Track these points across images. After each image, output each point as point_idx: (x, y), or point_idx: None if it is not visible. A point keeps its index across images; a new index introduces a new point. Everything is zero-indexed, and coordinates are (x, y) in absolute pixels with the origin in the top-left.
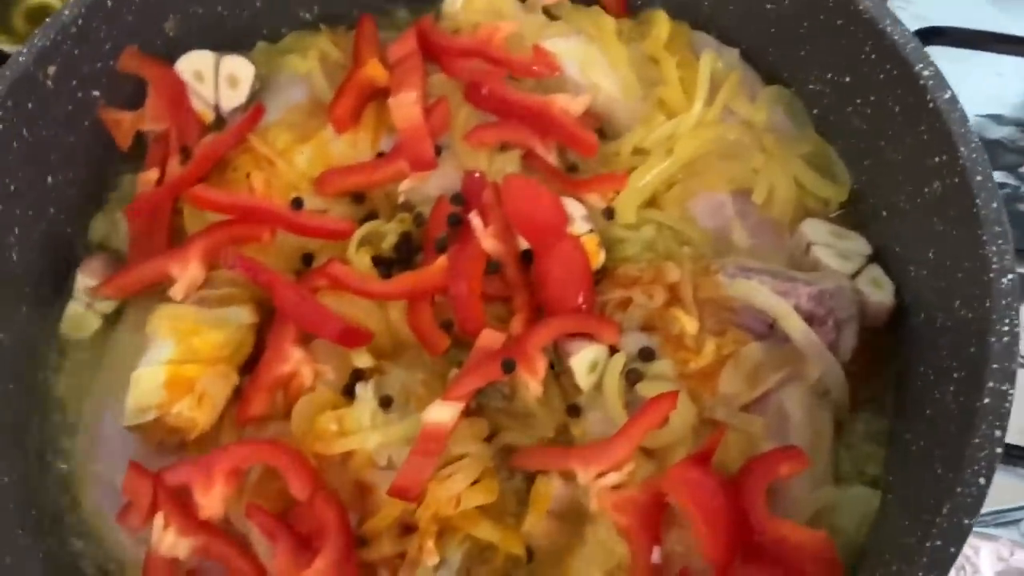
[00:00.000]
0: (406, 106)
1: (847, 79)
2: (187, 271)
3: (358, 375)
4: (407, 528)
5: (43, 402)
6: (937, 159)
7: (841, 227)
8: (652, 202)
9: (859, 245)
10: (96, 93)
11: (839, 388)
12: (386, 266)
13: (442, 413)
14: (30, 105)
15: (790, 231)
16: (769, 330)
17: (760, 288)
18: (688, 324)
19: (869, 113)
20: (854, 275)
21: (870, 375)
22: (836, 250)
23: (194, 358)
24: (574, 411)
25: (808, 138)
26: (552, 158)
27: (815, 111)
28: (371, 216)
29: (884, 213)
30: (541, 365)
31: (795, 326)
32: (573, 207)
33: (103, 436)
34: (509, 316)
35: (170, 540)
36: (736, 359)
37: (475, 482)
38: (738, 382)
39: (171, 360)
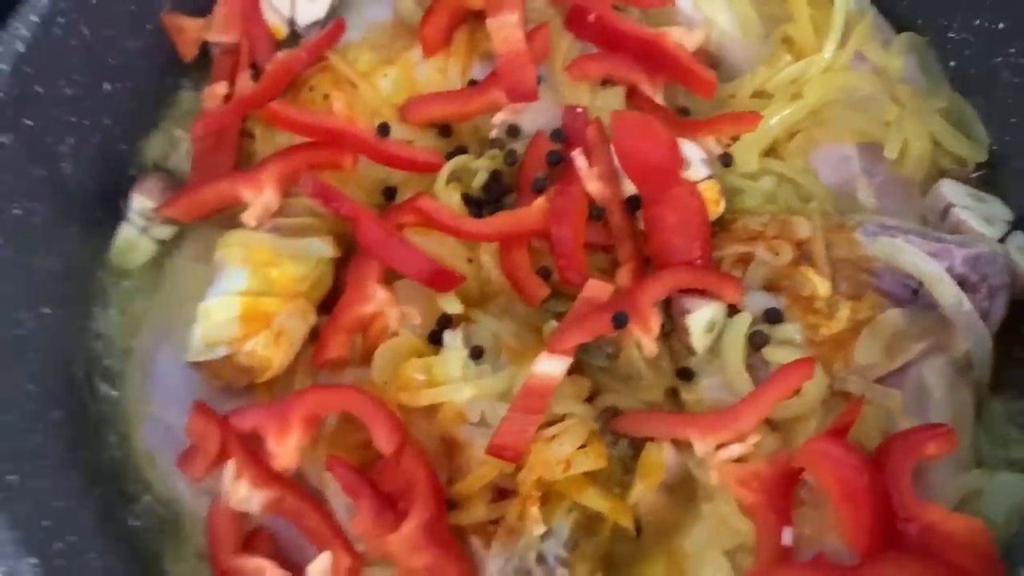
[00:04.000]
0: (507, 28)
1: (1000, 25)
2: (261, 195)
3: (446, 322)
4: (501, 492)
5: (92, 334)
6: None
7: (978, 190)
8: (770, 151)
9: (1001, 210)
10: None
11: (984, 363)
12: (475, 206)
13: (551, 366)
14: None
15: (921, 192)
16: (912, 296)
17: (908, 248)
18: (820, 285)
19: None
20: (1000, 241)
21: (1010, 352)
22: (979, 213)
23: (271, 291)
24: (686, 374)
25: (942, 92)
26: (659, 98)
27: (952, 63)
28: (458, 151)
29: None
30: (656, 322)
31: (948, 292)
32: (691, 150)
33: (158, 374)
34: (611, 267)
35: (243, 492)
36: (873, 326)
37: (581, 446)
38: (875, 351)
39: (246, 291)
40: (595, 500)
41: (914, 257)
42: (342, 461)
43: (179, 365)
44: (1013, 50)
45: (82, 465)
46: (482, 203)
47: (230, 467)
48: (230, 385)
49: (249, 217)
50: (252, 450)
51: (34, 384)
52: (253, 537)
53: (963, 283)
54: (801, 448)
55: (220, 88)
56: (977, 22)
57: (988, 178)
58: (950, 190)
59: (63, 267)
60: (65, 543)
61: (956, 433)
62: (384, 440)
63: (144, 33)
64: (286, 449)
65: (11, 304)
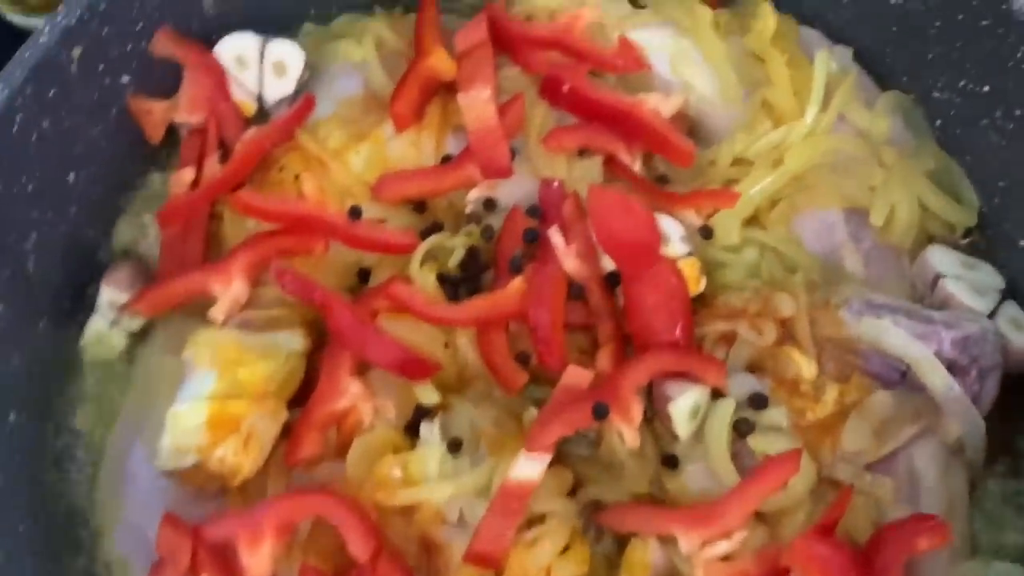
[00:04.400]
0: (479, 104)
1: (985, 88)
2: (230, 289)
3: (422, 412)
4: None
5: (61, 435)
6: None
7: (968, 256)
8: (752, 220)
9: (992, 278)
10: (125, 79)
11: (977, 447)
12: (452, 285)
13: (529, 469)
14: (52, 92)
15: (911, 258)
16: (901, 378)
17: (895, 330)
18: (805, 367)
19: (1011, 128)
20: (991, 314)
21: (1003, 429)
22: (968, 283)
23: (239, 392)
24: (670, 462)
25: (930, 153)
26: (637, 166)
27: (938, 122)
28: (434, 228)
29: (1022, 242)
30: (638, 410)
31: (938, 377)
32: (669, 225)
33: (131, 476)
34: (591, 347)
35: None
36: (861, 410)
37: (563, 549)
38: (864, 437)
39: (214, 395)
40: None
41: (901, 340)
42: (316, 571)
43: (152, 467)
44: (999, 113)
45: None
46: (459, 282)
47: None
48: (202, 489)
49: (217, 312)
50: (224, 563)
51: (1, 496)
52: None
53: (952, 366)
54: (788, 548)
55: (187, 173)
56: (962, 83)
57: (978, 242)
58: (939, 258)
59: (31, 367)
60: None
61: (948, 525)
62: (359, 547)
63: (108, 118)
64: (259, 560)
65: None
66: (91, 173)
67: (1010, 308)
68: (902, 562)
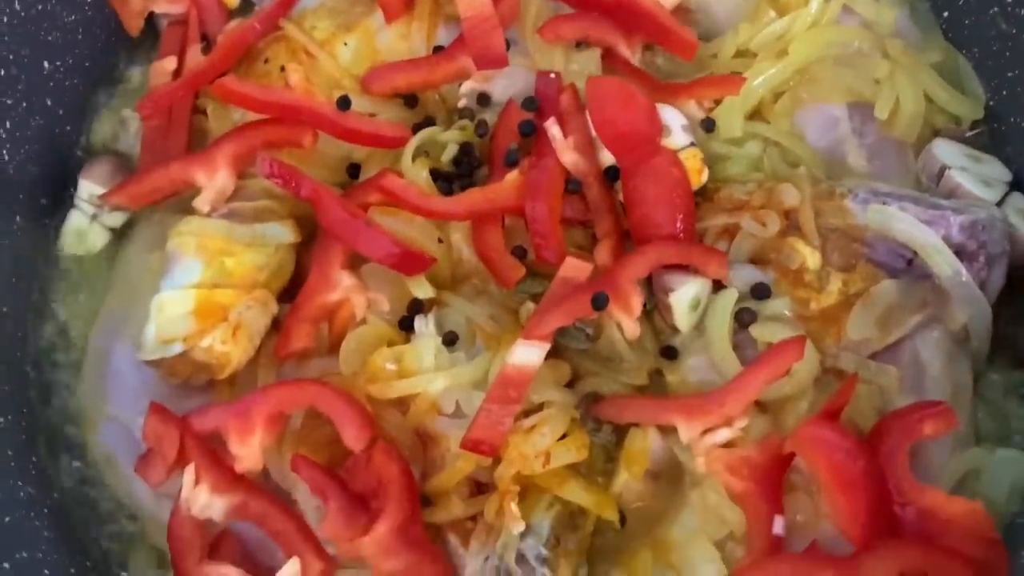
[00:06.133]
0: None
1: None
2: (215, 179)
3: (417, 307)
4: (479, 486)
5: (42, 331)
6: None
7: (974, 149)
8: (755, 114)
9: (999, 170)
10: None
11: (982, 335)
12: (445, 181)
13: (528, 354)
14: None
15: (915, 153)
16: (907, 266)
17: (902, 216)
18: (809, 257)
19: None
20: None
21: (1006, 322)
22: (975, 175)
23: (227, 282)
24: (670, 353)
25: (936, 45)
26: (637, 59)
27: (945, 14)
28: (425, 123)
29: None
30: (637, 301)
31: (946, 262)
32: (671, 116)
33: (114, 371)
34: (589, 243)
35: (203, 500)
36: (866, 299)
37: (562, 436)
38: (868, 326)
39: (200, 283)
40: (577, 494)
41: (908, 226)
42: (308, 461)
43: (136, 362)
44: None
45: (33, 473)
46: (452, 178)
47: (188, 473)
48: (189, 382)
49: (202, 203)
50: (213, 453)
51: None
52: (219, 542)
53: (960, 252)
54: (792, 433)
55: (168, 63)
56: None
57: (984, 136)
58: (944, 150)
59: (8, 262)
60: (14, 562)
61: (954, 410)
62: (353, 437)
63: (83, 5)
64: (250, 450)
65: None
66: (67, 64)
67: (1017, 199)
68: (907, 447)
